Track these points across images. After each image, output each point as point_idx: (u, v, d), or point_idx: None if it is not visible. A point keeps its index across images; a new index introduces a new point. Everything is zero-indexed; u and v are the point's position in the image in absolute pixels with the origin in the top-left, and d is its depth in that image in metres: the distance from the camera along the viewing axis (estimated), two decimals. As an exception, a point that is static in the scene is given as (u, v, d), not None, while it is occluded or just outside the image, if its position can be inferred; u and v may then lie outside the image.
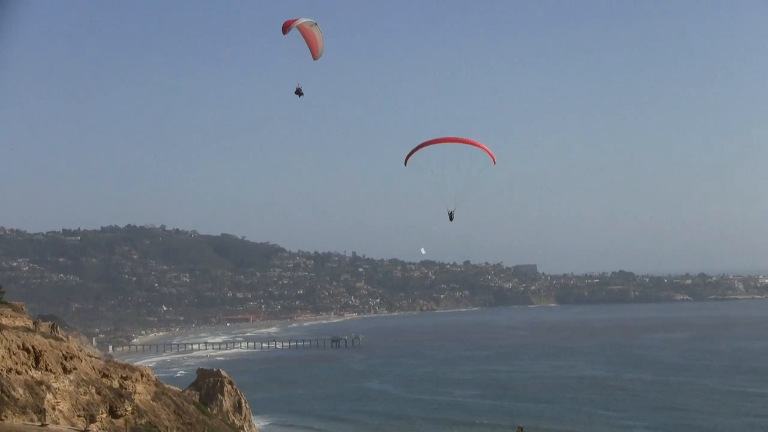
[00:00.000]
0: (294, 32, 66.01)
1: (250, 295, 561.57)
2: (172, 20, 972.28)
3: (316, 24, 67.23)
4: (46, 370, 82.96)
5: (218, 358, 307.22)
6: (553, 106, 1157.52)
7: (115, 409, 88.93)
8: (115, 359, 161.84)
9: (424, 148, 71.40)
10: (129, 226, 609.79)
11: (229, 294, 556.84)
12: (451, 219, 72.31)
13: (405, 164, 72.48)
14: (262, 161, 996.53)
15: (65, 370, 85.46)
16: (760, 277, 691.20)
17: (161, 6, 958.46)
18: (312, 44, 67.36)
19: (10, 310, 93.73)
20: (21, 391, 77.12)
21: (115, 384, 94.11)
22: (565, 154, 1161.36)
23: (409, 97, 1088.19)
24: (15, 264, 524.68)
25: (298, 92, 68.77)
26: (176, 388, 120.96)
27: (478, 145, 71.84)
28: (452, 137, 72.01)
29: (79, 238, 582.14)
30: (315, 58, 67.90)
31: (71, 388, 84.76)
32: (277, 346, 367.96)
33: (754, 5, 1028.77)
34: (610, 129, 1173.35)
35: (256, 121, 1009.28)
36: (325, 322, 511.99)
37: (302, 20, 66.13)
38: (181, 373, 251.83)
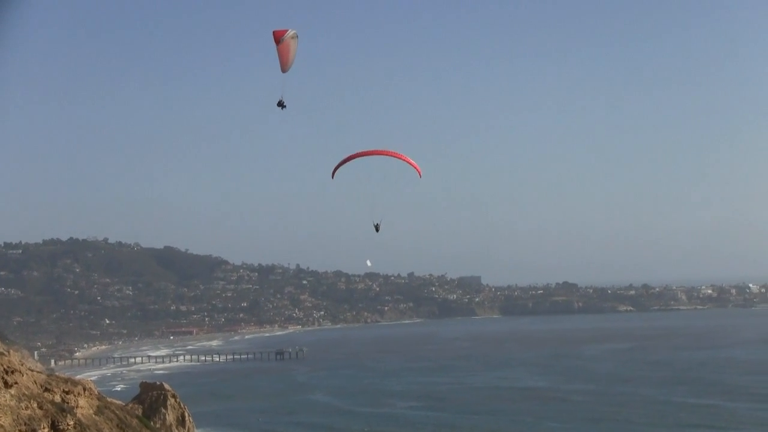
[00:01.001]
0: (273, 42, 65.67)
1: (193, 308, 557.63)
2: (110, 29, 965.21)
3: (296, 36, 66.96)
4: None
5: (159, 372, 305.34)
6: (496, 117, 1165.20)
7: (57, 423, 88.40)
8: (57, 373, 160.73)
9: (353, 161, 71.81)
10: (71, 239, 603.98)
11: (173, 307, 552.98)
12: (377, 231, 73.07)
13: (332, 177, 73.05)
14: (205, 173, 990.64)
15: (6, 385, 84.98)
16: (703, 287, 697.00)
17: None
18: (284, 57, 66.94)
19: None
20: (-39, 406, 76.76)
21: (57, 398, 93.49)
22: (507, 166, 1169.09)
23: (353, 108, 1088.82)
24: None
25: (280, 104, 68.55)
26: (119, 402, 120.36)
27: (404, 159, 72.41)
28: (380, 150, 72.44)
29: (20, 251, 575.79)
30: (284, 71, 67.53)
31: (12, 403, 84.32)
32: (220, 359, 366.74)
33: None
34: (553, 142, 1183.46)
35: (198, 133, 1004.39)
36: (268, 334, 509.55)
37: (291, 32, 65.94)
38: (120, 386, 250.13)
